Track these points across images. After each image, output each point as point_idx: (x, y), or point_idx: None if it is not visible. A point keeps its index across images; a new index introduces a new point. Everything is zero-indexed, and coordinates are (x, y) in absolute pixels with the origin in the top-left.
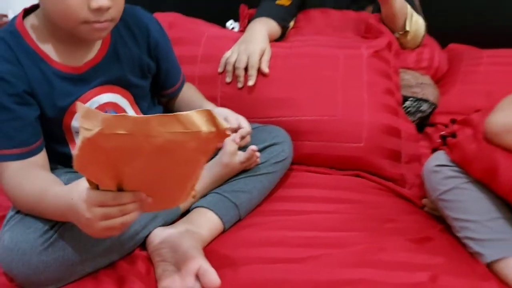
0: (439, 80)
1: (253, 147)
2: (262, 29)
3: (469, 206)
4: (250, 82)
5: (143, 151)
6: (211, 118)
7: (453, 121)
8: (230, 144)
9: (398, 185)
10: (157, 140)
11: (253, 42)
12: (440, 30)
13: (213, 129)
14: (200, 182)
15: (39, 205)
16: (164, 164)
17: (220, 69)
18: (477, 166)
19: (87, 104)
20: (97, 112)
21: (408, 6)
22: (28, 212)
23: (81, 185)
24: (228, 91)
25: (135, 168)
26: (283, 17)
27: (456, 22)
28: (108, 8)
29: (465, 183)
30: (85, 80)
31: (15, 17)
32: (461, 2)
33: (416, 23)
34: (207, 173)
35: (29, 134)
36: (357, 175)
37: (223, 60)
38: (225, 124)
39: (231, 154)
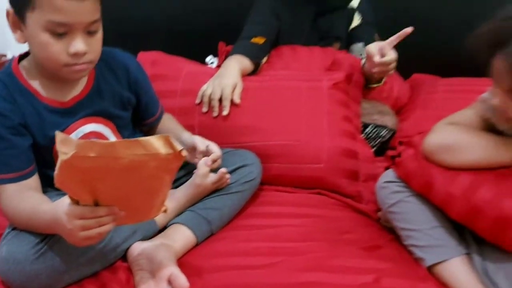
0: (402, 107)
1: (223, 169)
2: (235, 65)
3: (412, 217)
4: (224, 112)
5: (112, 170)
6: (169, 142)
7: (400, 143)
8: (202, 167)
9: (356, 201)
10: (124, 161)
11: (226, 77)
12: (406, 62)
13: (170, 151)
14: (176, 202)
15: (32, 221)
16: (132, 182)
17: (197, 101)
18: (417, 181)
19: (73, 134)
20: (72, 139)
21: None
22: (22, 228)
23: (65, 202)
24: (205, 120)
25: (108, 185)
26: (256, 54)
27: (421, 54)
28: (84, 53)
29: (409, 197)
30: (72, 113)
31: (11, 61)
32: (424, 36)
33: None
34: (183, 194)
35: (24, 161)
36: (320, 193)
37: (200, 93)
38: (180, 147)
39: (203, 176)
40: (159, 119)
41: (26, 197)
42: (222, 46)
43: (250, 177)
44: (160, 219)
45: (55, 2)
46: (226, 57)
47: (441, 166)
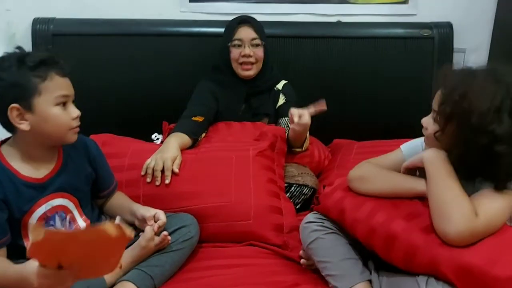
0: (323, 168)
1: (165, 232)
2: (175, 141)
3: (327, 252)
4: (166, 181)
5: (73, 249)
6: (119, 227)
7: (324, 186)
8: (150, 231)
9: (283, 249)
10: (82, 243)
11: (167, 151)
12: (328, 130)
13: (119, 234)
14: (124, 262)
15: (2, 280)
16: (88, 253)
17: (142, 173)
18: (333, 211)
19: (43, 205)
20: (42, 229)
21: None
22: None
23: (32, 264)
24: (149, 189)
25: (68, 257)
26: (194, 131)
27: (340, 123)
28: (78, 116)
29: (324, 235)
30: (44, 188)
31: None
32: (343, 108)
33: (307, 139)
34: (129, 255)
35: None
36: (251, 244)
37: (144, 166)
38: (129, 232)
39: (149, 239)
40: (113, 191)
41: None
42: (165, 125)
43: (188, 236)
44: (108, 277)
45: (58, 82)
46: (169, 133)
47: (356, 192)
